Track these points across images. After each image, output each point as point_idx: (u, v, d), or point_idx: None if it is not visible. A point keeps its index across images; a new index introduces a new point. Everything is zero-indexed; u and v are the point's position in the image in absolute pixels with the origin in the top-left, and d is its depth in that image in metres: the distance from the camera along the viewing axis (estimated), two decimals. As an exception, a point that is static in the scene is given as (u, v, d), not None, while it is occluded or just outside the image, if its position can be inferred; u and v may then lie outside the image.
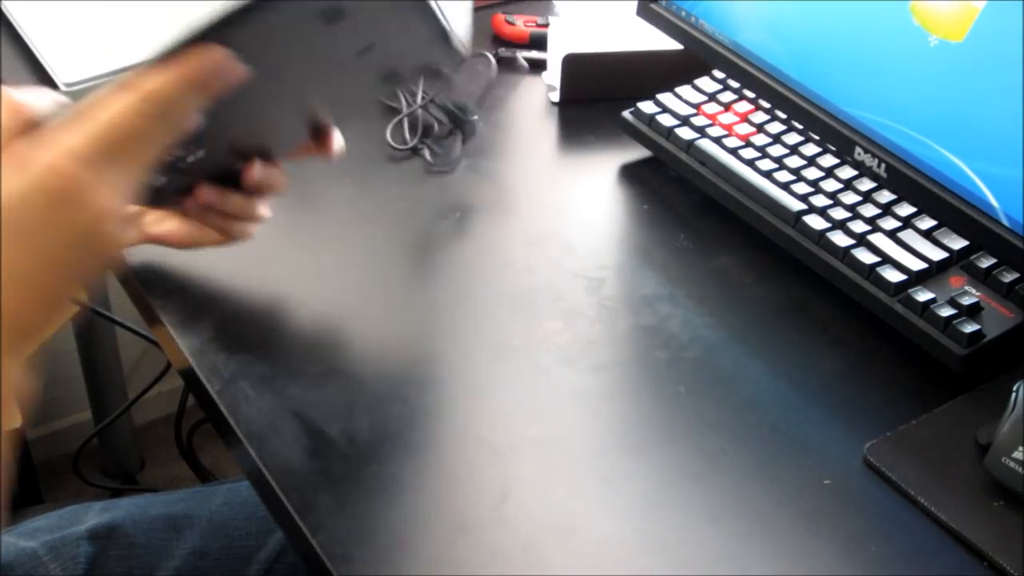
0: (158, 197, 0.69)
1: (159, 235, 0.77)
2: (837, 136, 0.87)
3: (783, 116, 0.96)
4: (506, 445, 0.72)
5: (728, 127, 0.96)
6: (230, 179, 0.72)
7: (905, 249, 0.84)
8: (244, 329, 0.80)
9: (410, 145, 0.98)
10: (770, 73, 0.92)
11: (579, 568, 0.65)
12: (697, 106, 0.98)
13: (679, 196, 0.97)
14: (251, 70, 0.55)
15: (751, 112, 0.97)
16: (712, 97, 0.99)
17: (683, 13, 0.98)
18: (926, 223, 0.85)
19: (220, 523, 0.92)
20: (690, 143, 0.94)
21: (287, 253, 0.87)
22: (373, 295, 0.84)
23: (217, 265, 0.83)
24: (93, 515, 0.91)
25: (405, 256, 0.88)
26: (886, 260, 0.83)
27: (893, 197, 0.87)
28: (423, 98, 1.00)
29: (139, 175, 0.54)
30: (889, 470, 0.72)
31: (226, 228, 0.76)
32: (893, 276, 0.82)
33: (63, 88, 1.00)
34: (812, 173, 0.91)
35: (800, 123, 0.94)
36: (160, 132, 0.54)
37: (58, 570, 0.85)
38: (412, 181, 0.96)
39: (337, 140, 0.74)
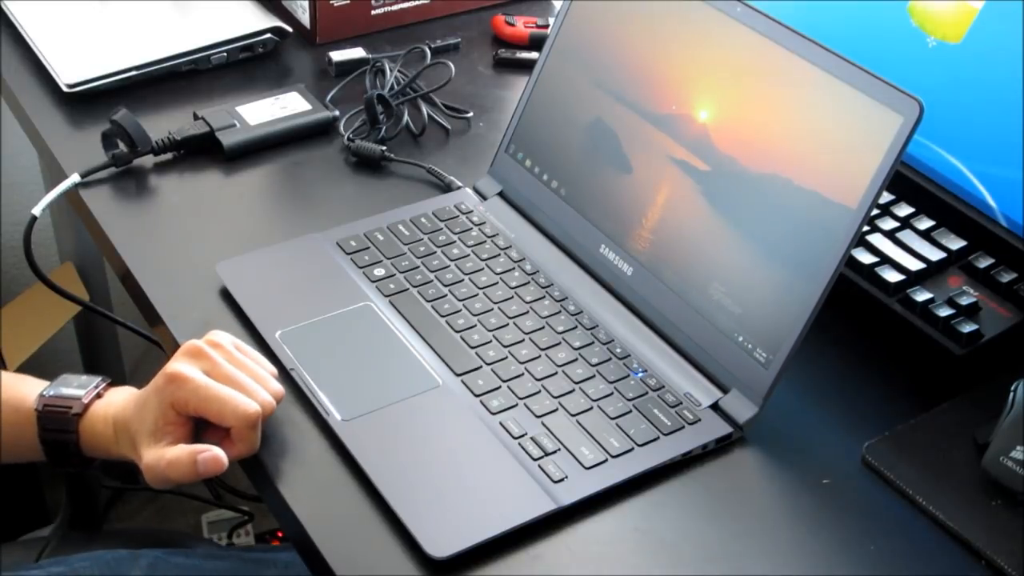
0: None
1: None
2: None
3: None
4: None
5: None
6: None
7: (903, 249, 0.84)
8: (245, 328, 0.80)
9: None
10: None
11: (579, 568, 0.66)
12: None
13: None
14: None
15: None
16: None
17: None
18: (924, 223, 0.85)
19: None
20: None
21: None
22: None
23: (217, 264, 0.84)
24: (139, 572, 0.90)
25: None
26: (884, 260, 0.83)
27: (891, 197, 0.87)
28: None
29: None
30: (888, 469, 0.72)
31: None
32: (891, 276, 0.82)
33: (65, 89, 1.00)
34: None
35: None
36: None
37: None
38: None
39: None
